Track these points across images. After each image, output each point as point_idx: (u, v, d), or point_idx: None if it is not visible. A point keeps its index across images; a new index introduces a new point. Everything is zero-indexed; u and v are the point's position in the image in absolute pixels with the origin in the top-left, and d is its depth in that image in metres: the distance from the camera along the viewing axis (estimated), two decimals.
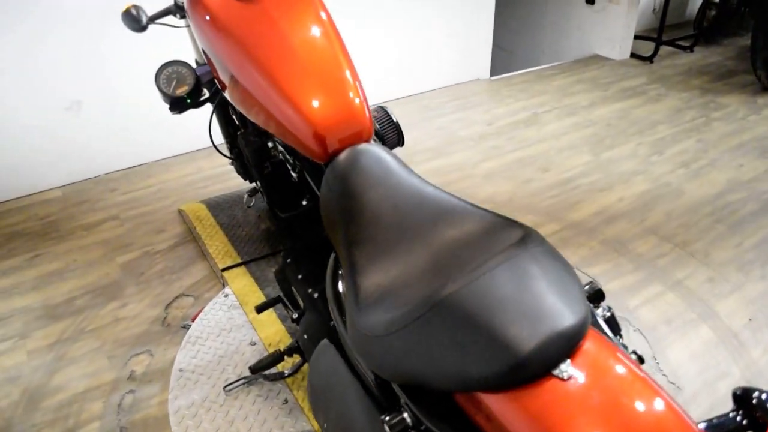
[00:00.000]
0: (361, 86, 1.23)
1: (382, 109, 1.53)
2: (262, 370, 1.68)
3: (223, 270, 2.27)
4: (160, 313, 2.19)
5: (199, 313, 2.12)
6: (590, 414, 0.76)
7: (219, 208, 2.64)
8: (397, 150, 3.14)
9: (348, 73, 1.21)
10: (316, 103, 1.17)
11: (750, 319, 2.08)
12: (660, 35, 4.39)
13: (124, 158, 3.15)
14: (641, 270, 2.31)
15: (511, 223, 0.97)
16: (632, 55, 4.51)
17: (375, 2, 3.50)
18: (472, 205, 1.03)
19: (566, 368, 0.78)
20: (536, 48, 5.07)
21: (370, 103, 3.56)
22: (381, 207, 1.05)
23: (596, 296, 1.06)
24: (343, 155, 1.15)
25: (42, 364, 2.01)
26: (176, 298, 2.26)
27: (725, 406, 1.77)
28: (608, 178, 2.92)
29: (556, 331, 0.78)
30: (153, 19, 1.49)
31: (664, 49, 4.63)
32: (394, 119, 1.52)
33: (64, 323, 2.18)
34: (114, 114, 3.00)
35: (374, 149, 1.16)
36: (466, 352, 0.82)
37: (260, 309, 1.67)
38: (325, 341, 1.22)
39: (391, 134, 1.52)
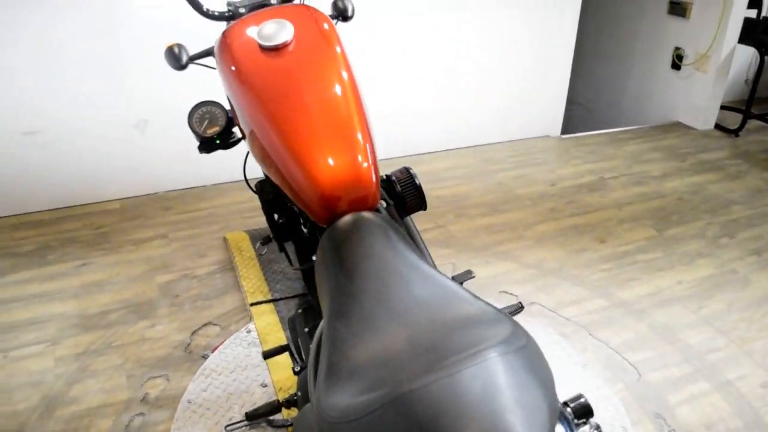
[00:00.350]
0: (372, 150, 1.19)
1: (406, 171, 1.49)
2: (257, 417, 1.65)
3: (252, 305, 2.26)
4: (185, 339, 2.20)
5: (219, 345, 2.12)
6: None
7: (260, 240, 2.65)
8: (445, 203, 3.08)
9: (360, 137, 1.17)
10: (321, 165, 1.14)
11: None
12: (749, 107, 4.16)
13: (184, 178, 3.24)
14: (689, 363, 2.14)
15: (499, 318, 0.90)
16: (717, 126, 4.29)
17: (444, 46, 3.49)
18: (465, 290, 0.97)
19: None
20: (616, 108, 4.92)
21: (429, 150, 3.49)
22: (370, 281, 1.00)
23: (583, 412, 0.96)
24: (342, 221, 1.11)
25: (65, 373, 2.06)
26: (204, 325, 2.27)
27: None
28: (669, 257, 2.75)
29: None
30: (193, 59, 1.52)
31: (752, 123, 4.37)
32: (417, 182, 1.48)
33: (94, 335, 2.23)
34: (178, 134, 3.10)
35: (375, 219, 1.12)
36: None
37: (267, 355, 1.64)
38: (308, 405, 1.17)
39: (411, 197, 1.47)
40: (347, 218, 1.11)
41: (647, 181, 3.46)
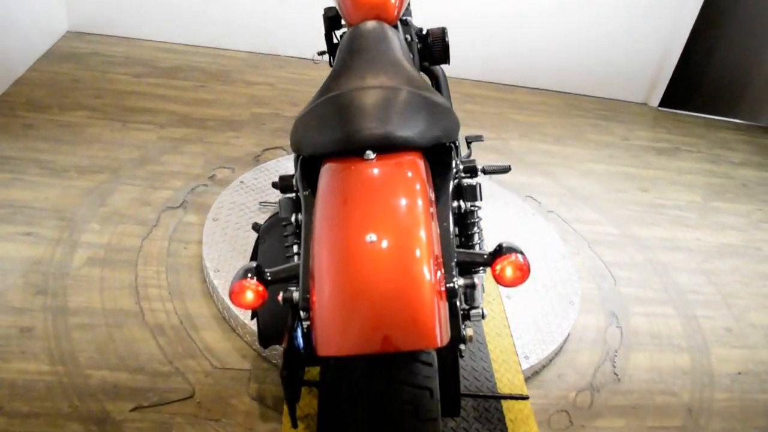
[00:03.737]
0: None
1: (441, 29, 1.84)
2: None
3: None
4: (257, 151, 2.71)
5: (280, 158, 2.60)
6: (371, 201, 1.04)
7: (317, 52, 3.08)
8: (516, 126, 3.31)
9: None
10: None
11: (739, 373, 2.07)
12: None
13: (304, 48, 3.71)
14: (666, 293, 2.35)
15: (429, 86, 1.27)
16: None
17: None
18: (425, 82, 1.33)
19: (371, 155, 1.10)
20: (741, 93, 4.78)
21: (525, 84, 3.67)
22: (361, 57, 1.38)
23: (471, 170, 1.31)
24: (364, 22, 1.52)
25: (161, 146, 2.62)
26: (275, 147, 2.76)
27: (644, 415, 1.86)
28: (701, 220, 2.89)
29: (373, 132, 1.11)
30: None
31: None
32: (447, 40, 1.83)
33: (192, 130, 2.78)
34: (307, 11, 3.54)
35: (388, 27, 1.51)
36: (327, 126, 1.16)
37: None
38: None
39: (438, 50, 1.83)
40: (369, 22, 1.52)
41: (721, 162, 3.53)
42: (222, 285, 1.86)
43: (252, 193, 2.30)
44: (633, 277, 2.40)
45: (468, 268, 1.15)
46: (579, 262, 2.41)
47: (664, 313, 2.25)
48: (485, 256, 1.07)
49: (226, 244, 2.03)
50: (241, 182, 2.36)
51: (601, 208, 2.80)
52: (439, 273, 0.98)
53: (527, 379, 1.82)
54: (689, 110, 4.37)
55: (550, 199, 2.78)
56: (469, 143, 1.98)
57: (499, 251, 1.04)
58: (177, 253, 2.09)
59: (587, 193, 2.89)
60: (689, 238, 2.72)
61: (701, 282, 2.46)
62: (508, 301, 2.00)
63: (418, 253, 0.94)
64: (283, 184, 1.32)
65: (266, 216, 2.20)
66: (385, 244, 0.95)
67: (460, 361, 1.70)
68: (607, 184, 3.01)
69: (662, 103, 4.17)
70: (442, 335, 0.92)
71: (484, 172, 1.71)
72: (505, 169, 1.79)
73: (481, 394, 1.62)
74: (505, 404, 1.62)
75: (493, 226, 2.37)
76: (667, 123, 3.93)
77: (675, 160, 3.45)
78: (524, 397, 1.65)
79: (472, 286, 1.03)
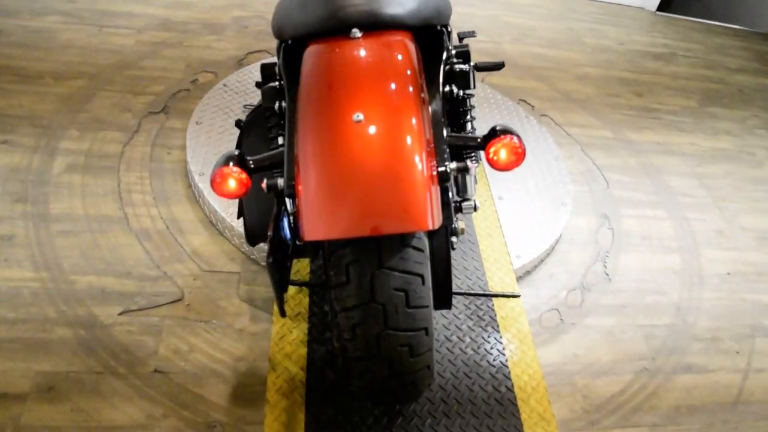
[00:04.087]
0: None
1: None
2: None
3: None
4: (240, 55, 2.59)
5: None
6: (357, 69, 0.98)
7: None
8: (510, 29, 3.18)
9: None
10: None
11: (728, 273, 2.08)
12: None
13: None
14: (658, 195, 2.33)
15: None
16: None
17: None
18: None
19: (357, 33, 1.03)
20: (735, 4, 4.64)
21: None
22: None
23: (463, 55, 1.24)
24: None
25: (140, 51, 2.51)
26: (259, 51, 2.65)
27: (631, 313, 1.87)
28: (696, 125, 2.83)
29: (360, 8, 1.03)
30: None
31: None
32: None
33: (171, 34, 2.65)
34: None
35: None
36: (311, 4, 1.08)
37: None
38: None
39: None
40: None
41: (718, 68, 3.44)
42: (208, 188, 1.81)
43: (236, 96, 2.21)
44: (625, 180, 2.37)
45: (460, 152, 1.10)
46: (572, 165, 2.37)
47: (655, 215, 2.24)
48: (479, 140, 1.02)
49: (210, 148, 1.97)
50: (225, 85, 2.27)
51: (595, 112, 2.73)
52: (430, 155, 0.93)
53: (519, 279, 1.82)
54: (687, 15, 4.22)
55: (543, 102, 2.71)
56: (461, 39, 1.89)
57: (493, 134, 0.99)
58: (160, 158, 2.03)
59: (581, 97, 2.82)
60: (683, 143, 2.68)
61: (693, 185, 2.43)
62: (500, 202, 1.97)
63: (407, 132, 0.89)
64: (266, 72, 1.25)
65: None
66: (373, 123, 0.89)
67: (452, 261, 1.68)
68: (601, 89, 2.93)
69: (660, 8, 4.02)
70: (433, 218, 0.88)
71: (477, 68, 1.63)
72: (499, 66, 1.71)
73: (472, 292, 1.62)
74: (497, 302, 1.62)
75: (484, 129, 2.31)
76: (665, 28, 3.81)
77: (671, 65, 3.35)
78: (515, 296, 1.65)
79: (465, 170, 0.99)
